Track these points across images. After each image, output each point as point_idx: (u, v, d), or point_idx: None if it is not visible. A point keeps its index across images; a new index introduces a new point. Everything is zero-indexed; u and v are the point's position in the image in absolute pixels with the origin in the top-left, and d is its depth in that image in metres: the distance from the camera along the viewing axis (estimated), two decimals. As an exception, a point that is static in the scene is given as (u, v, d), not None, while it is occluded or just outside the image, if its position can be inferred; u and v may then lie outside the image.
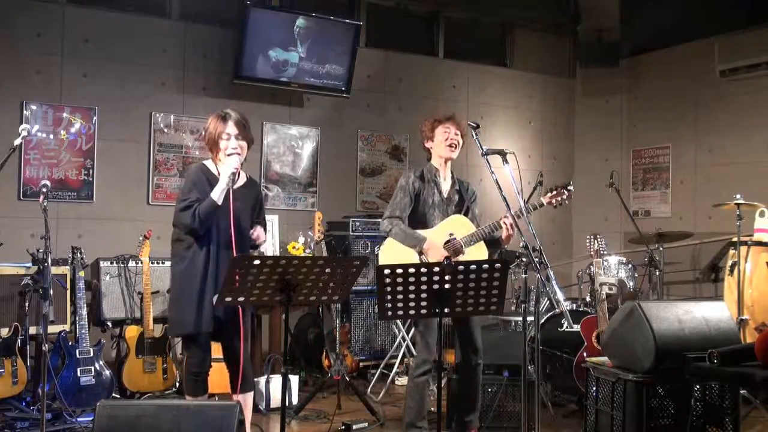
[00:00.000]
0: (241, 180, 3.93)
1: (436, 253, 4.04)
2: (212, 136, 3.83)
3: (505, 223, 4.00)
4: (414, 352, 6.00)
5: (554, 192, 4.16)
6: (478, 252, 4.13)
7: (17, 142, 3.96)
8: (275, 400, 5.13)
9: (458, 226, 4.18)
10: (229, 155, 3.80)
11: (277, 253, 6.27)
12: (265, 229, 4.06)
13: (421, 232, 4.16)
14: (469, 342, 4.23)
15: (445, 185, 4.31)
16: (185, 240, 3.77)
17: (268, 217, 6.00)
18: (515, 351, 4.40)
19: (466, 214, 4.30)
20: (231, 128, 3.81)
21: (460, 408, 4.37)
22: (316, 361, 6.13)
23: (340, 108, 7.14)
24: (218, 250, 3.76)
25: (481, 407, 4.43)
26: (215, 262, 3.76)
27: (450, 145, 4.24)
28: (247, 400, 3.94)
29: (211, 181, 3.81)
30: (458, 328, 4.27)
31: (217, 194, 3.72)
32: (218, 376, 4.19)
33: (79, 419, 4.65)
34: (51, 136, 5.91)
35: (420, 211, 4.24)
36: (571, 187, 4.14)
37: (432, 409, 4.53)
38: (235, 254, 3.68)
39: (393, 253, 4.14)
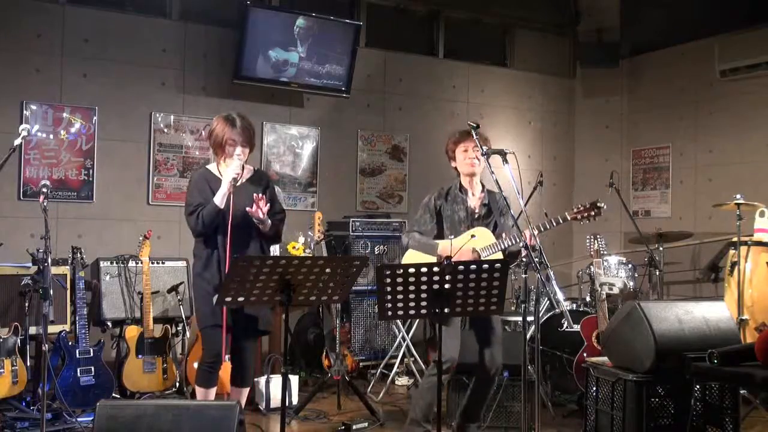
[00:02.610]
0: (246, 174, 4.03)
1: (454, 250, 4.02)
2: (219, 140, 3.95)
3: (525, 235, 3.81)
4: (414, 352, 6.05)
5: (581, 208, 3.97)
6: None
7: (17, 142, 3.97)
8: (275, 400, 5.13)
9: (478, 237, 4.13)
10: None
11: (277, 253, 6.27)
12: (279, 224, 4.11)
13: (439, 241, 4.16)
14: (488, 353, 4.16)
15: (473, 200, 4.30)
16: (201, 241, 3.95)
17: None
18: (515, 351, 4.39)
19: (494, 228, 4.24)
20: (238, 135, 3.92)
21: (462, 413, 4.35)
22: (316, 361, 6.12)
23: (340, 108, 7.13)
24: (225, 249, 3.86)
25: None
26: (222, 260, 3.88)
27: (471, 164, 4.26)
28: (242, 393, 4.07)
29: (212, 184, 3.93)
30: (478, 336, 4.20)
31: (219, 198, 3.85)
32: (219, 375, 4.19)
33: (79, 419, 4.65)
34: (51, 136, 5.91)
35: (445, 227, 4.24)
36: (602, 205, 3.91)
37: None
38: (229, 254, 3.79)
39: (415, 261, 4.09)
